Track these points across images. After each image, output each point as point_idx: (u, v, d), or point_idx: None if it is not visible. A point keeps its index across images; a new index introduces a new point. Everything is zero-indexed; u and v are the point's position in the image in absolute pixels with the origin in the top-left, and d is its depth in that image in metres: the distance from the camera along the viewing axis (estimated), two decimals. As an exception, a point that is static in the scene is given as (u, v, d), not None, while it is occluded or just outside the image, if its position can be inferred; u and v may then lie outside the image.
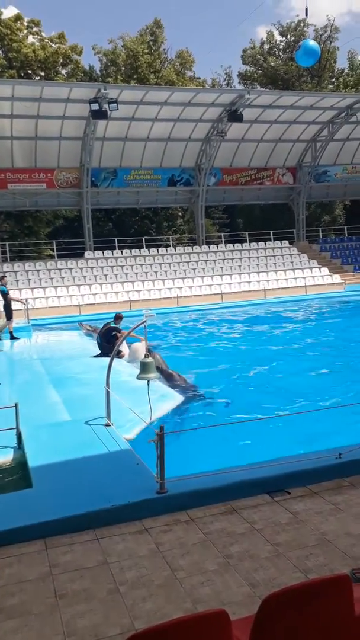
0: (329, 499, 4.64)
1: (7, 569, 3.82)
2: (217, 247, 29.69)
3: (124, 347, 11.87)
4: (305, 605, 2.23)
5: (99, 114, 23.23)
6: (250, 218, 41.18)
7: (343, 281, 27.30)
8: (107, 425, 6.58)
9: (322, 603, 2.26)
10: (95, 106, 22.95)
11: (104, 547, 4.05)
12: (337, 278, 27.46)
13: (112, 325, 12.36)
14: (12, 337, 15.53)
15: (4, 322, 15.60)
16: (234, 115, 25.86)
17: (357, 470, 5.08)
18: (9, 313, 15.50)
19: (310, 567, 3.64)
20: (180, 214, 40.13)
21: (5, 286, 15.68)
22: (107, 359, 7.73)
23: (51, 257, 30.81)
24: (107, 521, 4.36)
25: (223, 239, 32.01)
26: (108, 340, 12.25)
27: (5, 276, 17.04)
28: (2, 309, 16.06)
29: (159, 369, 9.56)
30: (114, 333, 12.16)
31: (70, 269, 25.59)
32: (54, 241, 29.91)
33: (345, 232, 34.84)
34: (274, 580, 3.50)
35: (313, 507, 4.52)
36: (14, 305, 16.04)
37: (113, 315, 12.96)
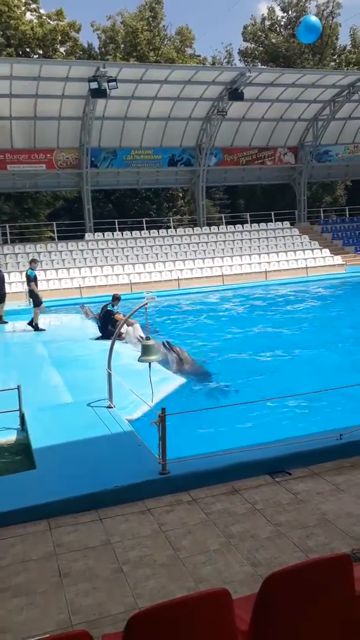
0: (330, 480, 4.68)
1: (12, 548, 3.88)
2: (218, 228, 29.52)
3: (124, 328, 11.92)
4: (306, 584, 2.26)
5: (98, 93, 22.91)
6: (252, 199, 40.85)
7: (344, 262, 27.20)
8: (110, 407, 6.62)
9: (322, 582, 2.29)
10: (94, 85, 22.62)
11: (107, 527, 4.10)
12: (338, 259, 27.35)
13: (109, 308, 12.46)
14: (36, 328, 14.07)
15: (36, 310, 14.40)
16: (235, 94, 25.48)
17: (357, 451, 5.12)
18: (35, 300, 14.24)
19: (311, 547, 3.68)
20: (180, 194, 39.80)
21: (34, 270, 14.64)
22: (108, 342, 7.74)
23: (51, 239, 30.66)
24: (110, 502, 4.41)
25: (224, 220, 31.81)
26: (105, 324, 12.32)
27: (36, 260, 15.65)
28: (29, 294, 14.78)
29: (166, 348, 9.60)
30: (111, 317, 12.23)
31: (71, 251, 25.50)
32: (54, 223, 29.74)
33: (347, 212, 34.59)
34: (275, 559, 3.55)
35: (314, 487, 4.56)
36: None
37: (111, 295, 13.00)
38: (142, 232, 27.73)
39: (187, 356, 9.90)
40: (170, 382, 8.41)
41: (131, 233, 27.55)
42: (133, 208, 36.88)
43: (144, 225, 28.40)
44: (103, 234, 27.12)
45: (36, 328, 14.18)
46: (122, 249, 26.16)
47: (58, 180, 27.87)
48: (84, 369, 9.26)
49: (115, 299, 12.77)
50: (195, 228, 29.40)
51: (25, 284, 15.46)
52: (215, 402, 7.54)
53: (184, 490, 4.58)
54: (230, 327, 14.53)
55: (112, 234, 27.27)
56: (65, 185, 29.26)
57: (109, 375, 6.72)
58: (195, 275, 24.60)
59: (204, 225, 29.50)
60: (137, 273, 24.14)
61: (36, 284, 14.65)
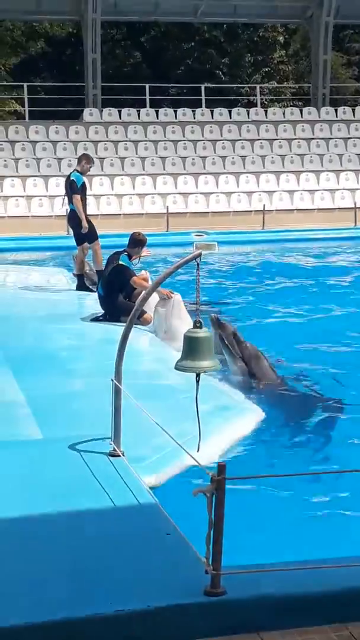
0: None
1: None
2: (354, 112, 29.23)
3: (152, 304, 11.96)
4: None
5: None
6: None
7: None
8: (114, 454, 6.70)
9: None
10: None
11: None
12: None
13: (122, 261, 12.51)
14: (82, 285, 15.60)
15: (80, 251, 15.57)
16: None
17: None
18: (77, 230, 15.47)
19: None
20: (281, 40, 39.51)
21: (82, 175, 15.46)
22: (115, 327, 7.80)
23: (18, 115, 31.08)
24: (104, 640, 4.48)
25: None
26: (112, 291, 12.39)
27: (89, 158, 16.27)
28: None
29: (229, 351, 9.66)
30: (124, 278, 12.30)
31: (55, 142, 25.73)
32: (25, 84, 30.02)
33: None
34: None
35: None
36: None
37: (128, 238, 13.12)
38: (199, 111, 27.74)
39: (264, 365, 10.01)
40: (237, 413, 8.46)
41: (176, 113, 27.57)
42: (183, 63, 36.86)
43: (203, 97, 28.36)
44: (119, 113, 27.25)
45: (81, 284, 15.56)
46: (155, 143, 26.22)
47: (37, 1, 28.10)
48: (67, 377, 9.43)
49: (136, 242, 12.90)
50: (306, 109, 29.19)
51: (66, 198, 16.00)
52: (321, 461, 7.55)
53: (252, 630, 4.61)
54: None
55: (138, 112, 27.38)
56: (52, 12, 29.47)
57: (117, 391, 6.79)
58: (298, 206, 24.51)
59: (326, 104, 29.24)
60: (180, 193, 24.18)
61: (84, 199, 15.33)
